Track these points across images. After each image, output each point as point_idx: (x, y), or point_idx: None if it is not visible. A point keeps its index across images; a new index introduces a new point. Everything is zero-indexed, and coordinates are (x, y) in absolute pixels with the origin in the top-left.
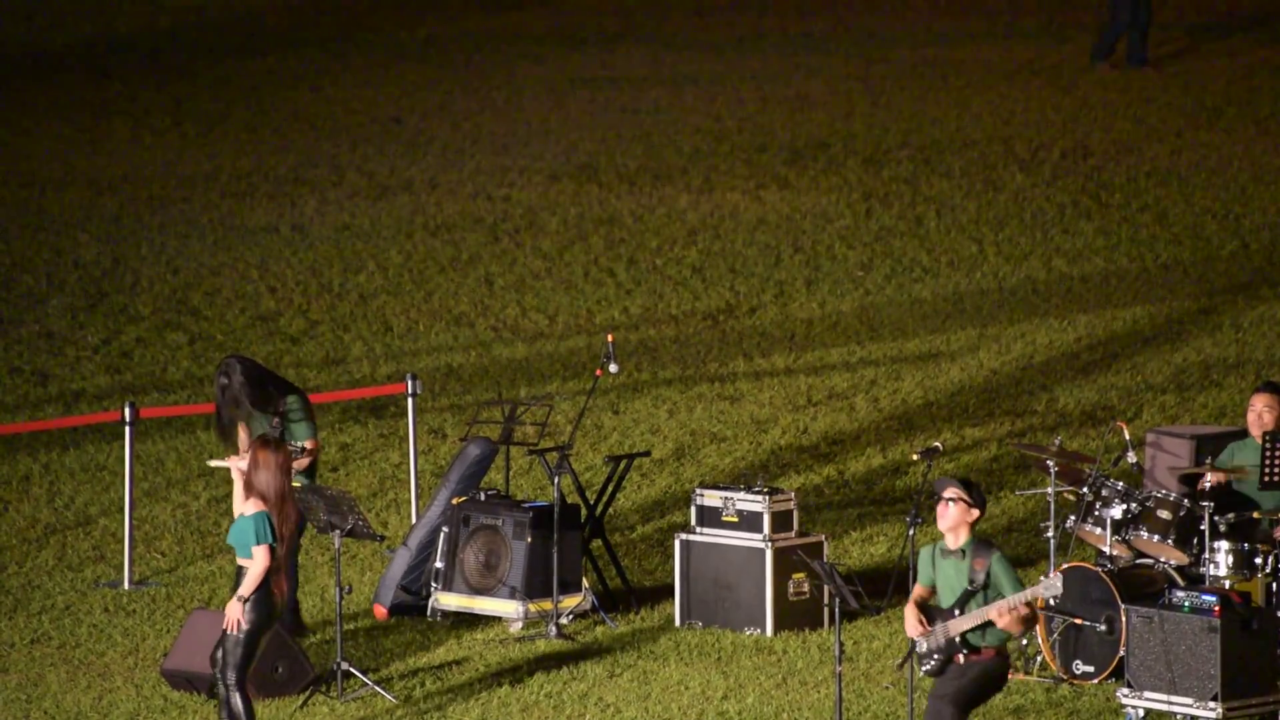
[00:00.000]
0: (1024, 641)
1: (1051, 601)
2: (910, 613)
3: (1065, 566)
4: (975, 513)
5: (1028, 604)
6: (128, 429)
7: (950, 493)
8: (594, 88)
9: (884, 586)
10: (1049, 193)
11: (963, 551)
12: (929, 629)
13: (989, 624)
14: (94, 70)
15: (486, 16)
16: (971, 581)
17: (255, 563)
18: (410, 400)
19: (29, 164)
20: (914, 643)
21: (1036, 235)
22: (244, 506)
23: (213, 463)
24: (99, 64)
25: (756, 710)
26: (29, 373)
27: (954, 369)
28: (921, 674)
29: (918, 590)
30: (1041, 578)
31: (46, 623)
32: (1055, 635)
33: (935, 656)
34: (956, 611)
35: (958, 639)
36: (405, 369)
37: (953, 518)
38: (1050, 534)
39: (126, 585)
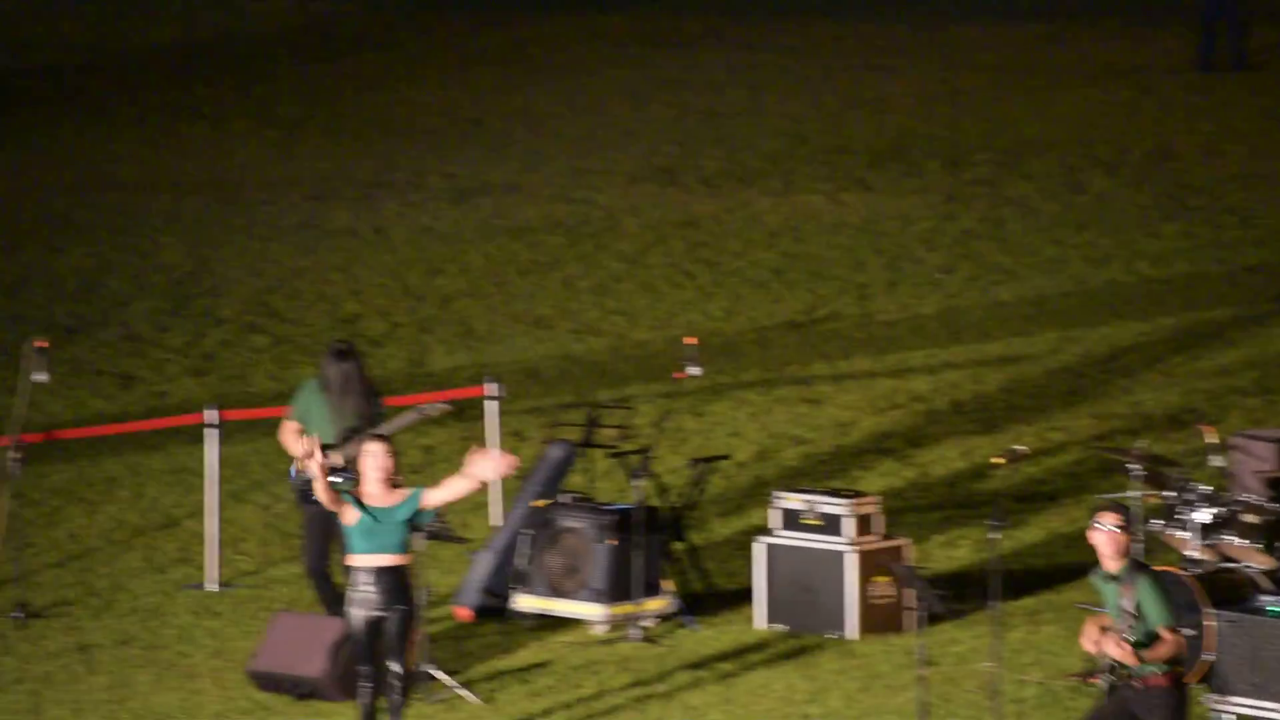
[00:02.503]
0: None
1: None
2: (1091, 626)
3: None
4: (1124, 538)
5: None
6: (212, 431)
7: (1105, 519)
8: (674, 90)
9: (967, 590)
10: (1132, 195)
11: (1117, 577)
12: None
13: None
14: (177, 74)
15: (567, 19)
16: (1121, 610)
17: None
18: (491, 403)
19: (113, 168)
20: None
21: (1119, 237)
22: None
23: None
24: (182, 68)
25: (840, 714)
26: (114, 375)
27: (1036, 371)
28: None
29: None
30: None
31: (133, 624)
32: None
33: (1102, 674)
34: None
35: (1117, 664)
36: (486, 371)
37: (1110, 546)
38: (1135, 539)
39: (212, 587)
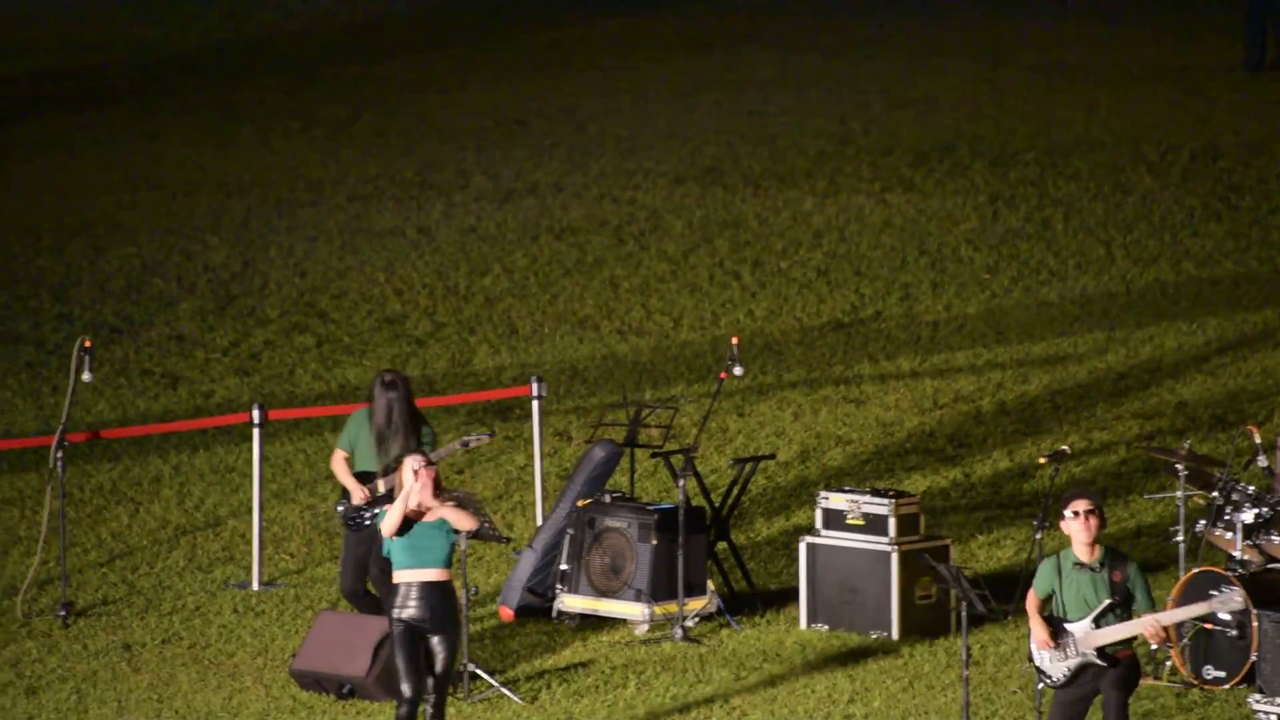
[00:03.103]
0: (1153, 646)
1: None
2: (1038, 626)
3: (1195, 571)
4: (1099, 523)
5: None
6: (256, 431)
7: (1087, 505)
8: (719, 90)
9: (1010, 590)
10: (1178, 195)
11: (1099, 564)
12: (1057, 643)
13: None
14: (223, 74)
15: (612, 19)
16: (1113, 595)
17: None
18: (535, 403)
19: (159, 168)
20: (1040, 655)
21: (1165, 237)
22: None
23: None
24: (228, 68)
25: (883, 714)
26: (159, 375)
27: (1081, 372)
28: (1042, 686)
29: (1034, 601)
30: (1214, 593)
31: (177, 623)
32: (1185, 640)
33: (1066, 669)
34: (1090, 624)
35: (1093, 652)
36: (530, 371)
37: (1095, 530)
38: (1180, 538)
39: (255, 586)
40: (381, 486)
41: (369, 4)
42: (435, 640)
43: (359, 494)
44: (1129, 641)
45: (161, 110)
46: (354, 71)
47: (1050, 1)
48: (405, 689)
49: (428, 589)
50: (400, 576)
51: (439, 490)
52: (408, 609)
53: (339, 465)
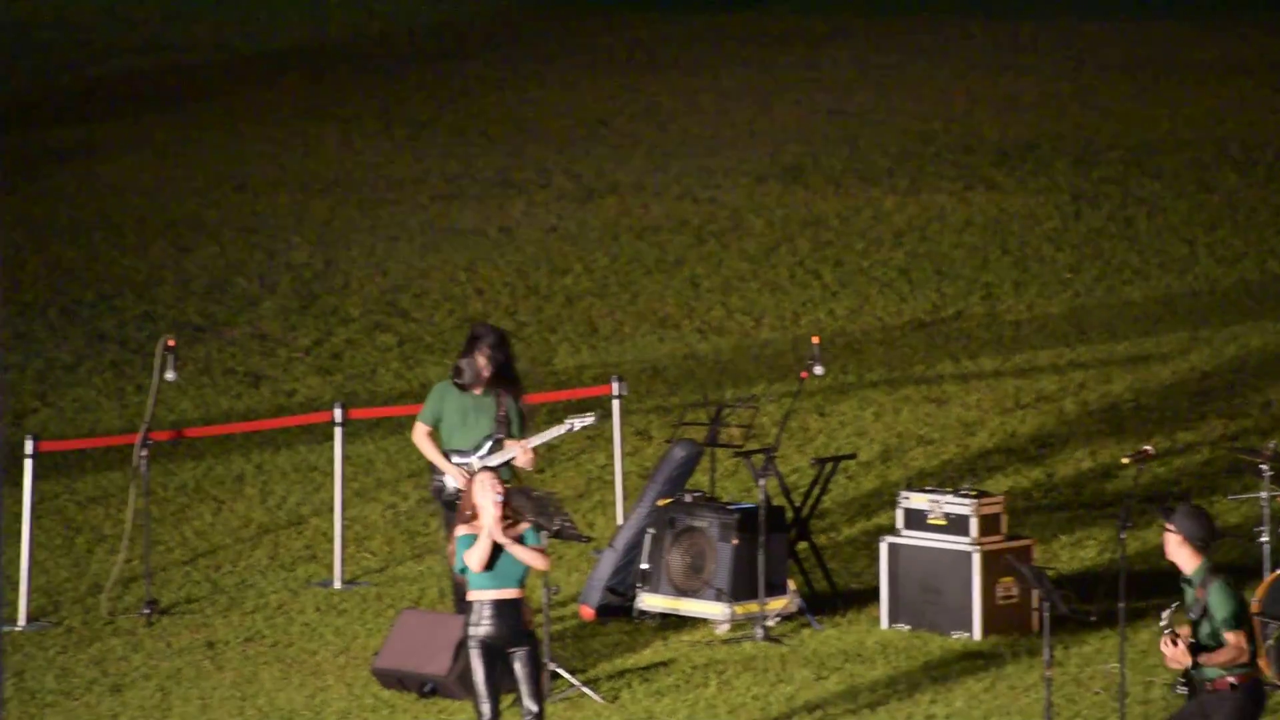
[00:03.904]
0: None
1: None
2: (1168, 638)
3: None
4: (1183, 540)
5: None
6: (338, 430)
7: (1170, 523)
8: (801, 89)
9: (1093, 591)
10: (1263, 194)
11: (1190, 580)
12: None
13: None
14: (305, 74)
15: (694, 18)
16: (1198, 611)
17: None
18: (616, 402)
19: (242, 167)
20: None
21: (1250, 236)
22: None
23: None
24: (311, 68)
25: (965, 714)
26: (242, 374)
27: (1165, 371)
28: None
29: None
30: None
31: (260, 621)
32: (1271, 641)
33: (1181, 681)
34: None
35: (1193, 665)
36: (611, 371)
37: (1170, 549)
38: (1265, 539)
39: (338, 584)
40: (476, 463)
41: (451, 3)
42: (514, 653)
43: (458, 477)
44: (1239, 664)
45: (245, 110)
46: (436, 71)
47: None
48: (484, 710)
49: (501, 606)
50: (476, 595)
51: (509, 512)
52: (482, 627)
53: (423, 440)
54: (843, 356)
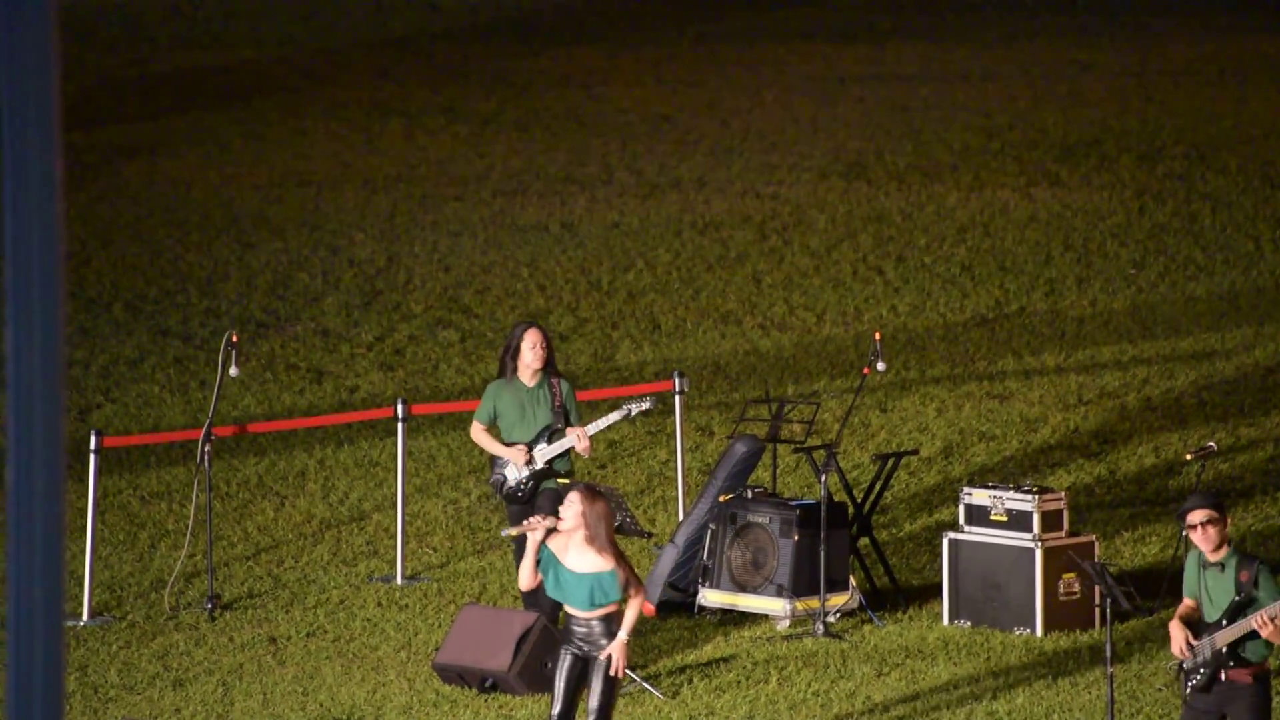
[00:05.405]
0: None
1: None
2: (1176, 631)
3: None
4: (1221, 528)
5: None
6: (400, 425)
7: (1203, 516)
8: (864, 85)
9: (1156, 587)
10: None
11: (1222, 565)
12: (1194, 646)
13: (1253, 634)
14: (370, 70)
15: (756, 14)
16: (1240, 593)
17: (637, 608)
18: (678, 398)
19: (306, 163)
20: (1181, 662)
21: None
22: (594, 561)
23: (508, 532)
24: (375, 64)
25: (1026, 710)
26: (305, 370)
27: (1229, 367)
28: (1186, 692)
29: (1185, 605)
30: None
31: (322, 616)
32: None
33: (1201, 672)
34: (1224, 623)
35: (1224, 650)
36: (673, 366)
37: (1215, 538)
38: None
39: (399, 580)
40: (539, 460)
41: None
42: (597, 664)
43: (518, 454)
44: (1258, 654)
45: (309, 106)
46: (499, 67)
47: None
48: (554, 710)
49: (594, 621)
50: (567, 609)
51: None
52: (566, 637)
53: (482, 436)
54: (905, 352)
